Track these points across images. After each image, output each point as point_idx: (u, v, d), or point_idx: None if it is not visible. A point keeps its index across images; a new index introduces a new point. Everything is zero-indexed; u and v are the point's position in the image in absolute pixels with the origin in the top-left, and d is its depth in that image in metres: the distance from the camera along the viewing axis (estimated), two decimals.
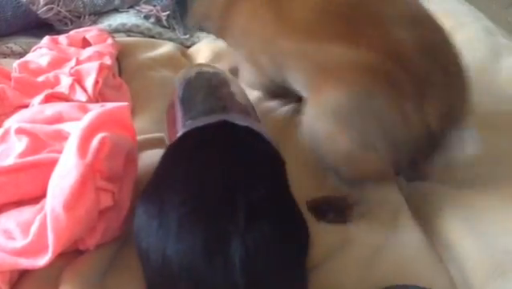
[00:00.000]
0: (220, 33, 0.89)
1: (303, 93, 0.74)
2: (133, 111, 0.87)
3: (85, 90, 0.85)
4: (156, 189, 0.58)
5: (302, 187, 0.65)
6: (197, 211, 0.52)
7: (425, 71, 0.63)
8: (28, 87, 0.85)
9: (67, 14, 1.09)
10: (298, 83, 0.75)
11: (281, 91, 0.84)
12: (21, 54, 1.02)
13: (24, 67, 0.88)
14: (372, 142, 0.64)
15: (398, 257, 0.63)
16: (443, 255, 0.65)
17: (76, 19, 1.10)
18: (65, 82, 0.85)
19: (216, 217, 0.51)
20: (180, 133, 0.63)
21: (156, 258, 0.51)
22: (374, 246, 0.64)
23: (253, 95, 0.94)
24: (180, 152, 0.61)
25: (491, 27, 1.09)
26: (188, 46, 1.15)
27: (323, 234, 0.63)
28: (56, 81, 0.86)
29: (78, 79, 0.86)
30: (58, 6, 1.07)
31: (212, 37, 1.12)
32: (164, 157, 0.61)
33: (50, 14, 1.06)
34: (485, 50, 0.99)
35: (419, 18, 0.68)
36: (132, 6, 1.15)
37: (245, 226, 0.50)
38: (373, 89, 0.63)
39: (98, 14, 1.13)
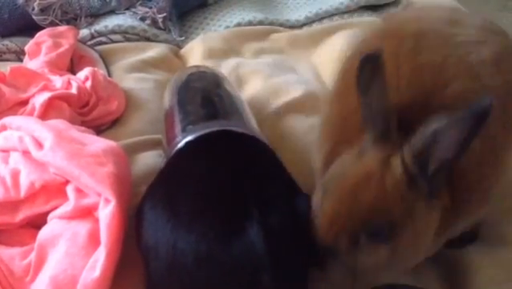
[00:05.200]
0: None
1: None
2: (127, 113, 0.89)
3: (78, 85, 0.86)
4: (162, 187, 0.58)
5: None
6: (207, 204, 0.53)
7: None
8: (24, 78, 0.86)
9: (62, 18, 1.10)
10: None
11: None
12: (16, 52, 1.04)
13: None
14: None
15: None
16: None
17: (72, 21, 1.11)
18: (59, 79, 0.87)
19: (228, 208, 0.53)
20: (180, 138, 0.64)
21: (167, 253, 0.52)
22: None
23: (248, 92, 0.95)
24: (185, 157, 0.62)
25: None
26: None
27: None
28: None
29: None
30: (53, 12, 1.08)
31: (205, 35, 1.14)
32: (170, 161, 0.62)
33: (45, 22, 1.08)
34: None
35: None
36: (128, 8, 1.16)
37: (258, 212, 0.51)
38: None
39: (94, 16, 1.14)
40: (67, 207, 0.62)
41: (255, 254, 0.49)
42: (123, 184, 0.63)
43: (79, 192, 0.62)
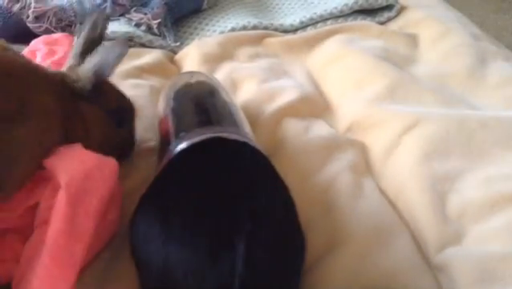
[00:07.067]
0: None
1: None
2: None
3: None
4: (154, 198, 0.58)
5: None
6: (200, 216, 0.53)
7: None
8: None
9: (57, 25, 1.10)
10: None
11: None
12: None
13: None
14: None
15: (386, 263, 0.64)
16: (430, 261, 0.66)
17: (67, 28, 1.11)
18: None
19: (220, 222, 0.52)
20: (173, 145, 0.64)
21: (158, 265, 0.52)
22: (362, 252, 0.65)
23: (243, 97, 0.95)
24: (179, 166, 0.61)
25: (478, 33, 1.11)
26: None
27: (310, 241, 0.64)
28: None
29: None
30: (48, 20, 1.08)
31: (199, 40, 1.14)
32: (162, 171, 0.62)
33: (40, 30, 1.08)
34: (471, 56, 1.00)
35: None
36: (122, 15, 1.16)
37: (249, 231, 0.51)
38: None
39: None
40: None
41: (234, 277, 0.49)
42: (115, 193, 0.63)
43: None
